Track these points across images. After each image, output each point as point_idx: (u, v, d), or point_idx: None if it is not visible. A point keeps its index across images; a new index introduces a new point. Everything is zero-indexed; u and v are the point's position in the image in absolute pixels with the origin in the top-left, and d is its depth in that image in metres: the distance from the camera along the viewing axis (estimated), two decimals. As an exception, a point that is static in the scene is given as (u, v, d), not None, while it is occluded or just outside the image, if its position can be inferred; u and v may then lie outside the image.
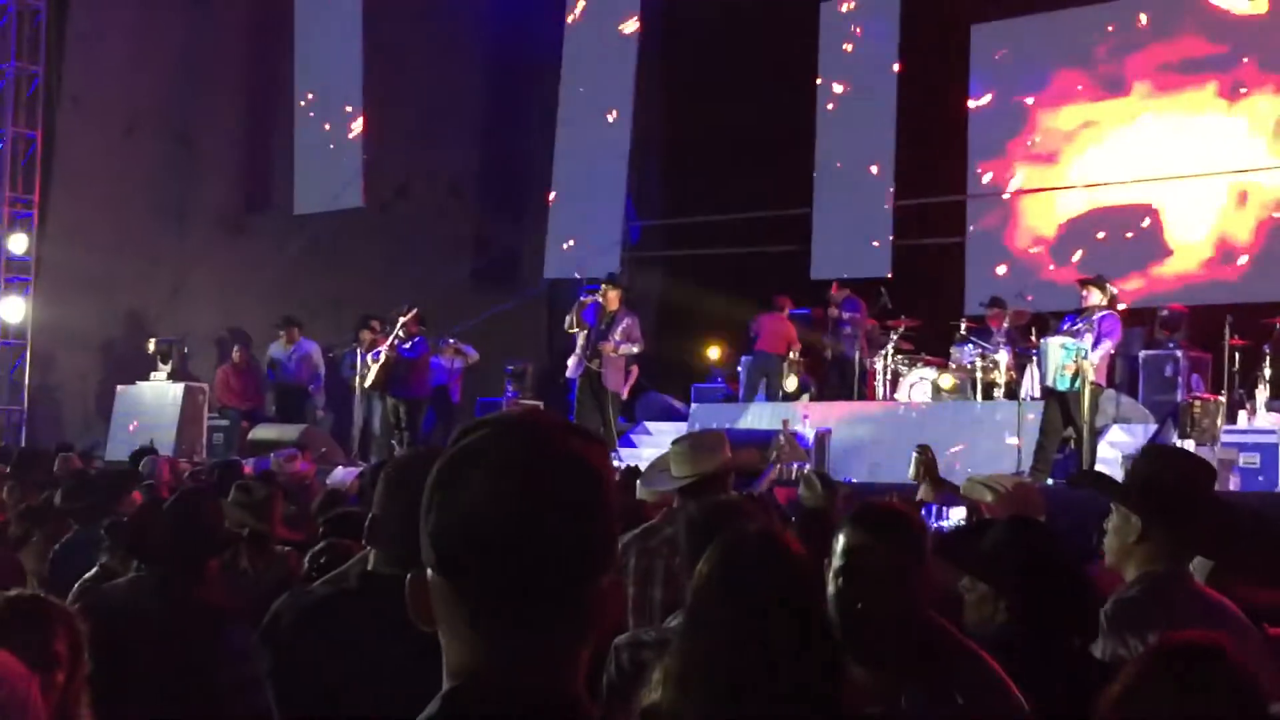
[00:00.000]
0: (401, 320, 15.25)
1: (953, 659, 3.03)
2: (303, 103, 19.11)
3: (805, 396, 15.18)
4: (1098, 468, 11.76)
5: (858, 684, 2.87)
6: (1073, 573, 3.45)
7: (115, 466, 10.57)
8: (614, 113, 19.32)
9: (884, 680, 2.98)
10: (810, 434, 13.45)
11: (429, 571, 1.66)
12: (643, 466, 12.11)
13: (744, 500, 4.70)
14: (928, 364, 14.57)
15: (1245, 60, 16.08)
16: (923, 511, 7.39)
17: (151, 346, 17.10)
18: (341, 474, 11.49)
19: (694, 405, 15.67)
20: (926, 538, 3.19)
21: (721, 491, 4.93)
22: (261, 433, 15.55)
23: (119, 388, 17.31)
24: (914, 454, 9.02)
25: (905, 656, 2.99)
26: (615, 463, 13.32)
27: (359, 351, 15.76)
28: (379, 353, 15.32)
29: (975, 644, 3.09)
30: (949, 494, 7.78)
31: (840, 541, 3.08)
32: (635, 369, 15.04)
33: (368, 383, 15.54)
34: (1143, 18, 16.85)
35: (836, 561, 3.06)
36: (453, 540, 1.63)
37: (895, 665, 2.99)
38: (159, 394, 16.67)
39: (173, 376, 16.74)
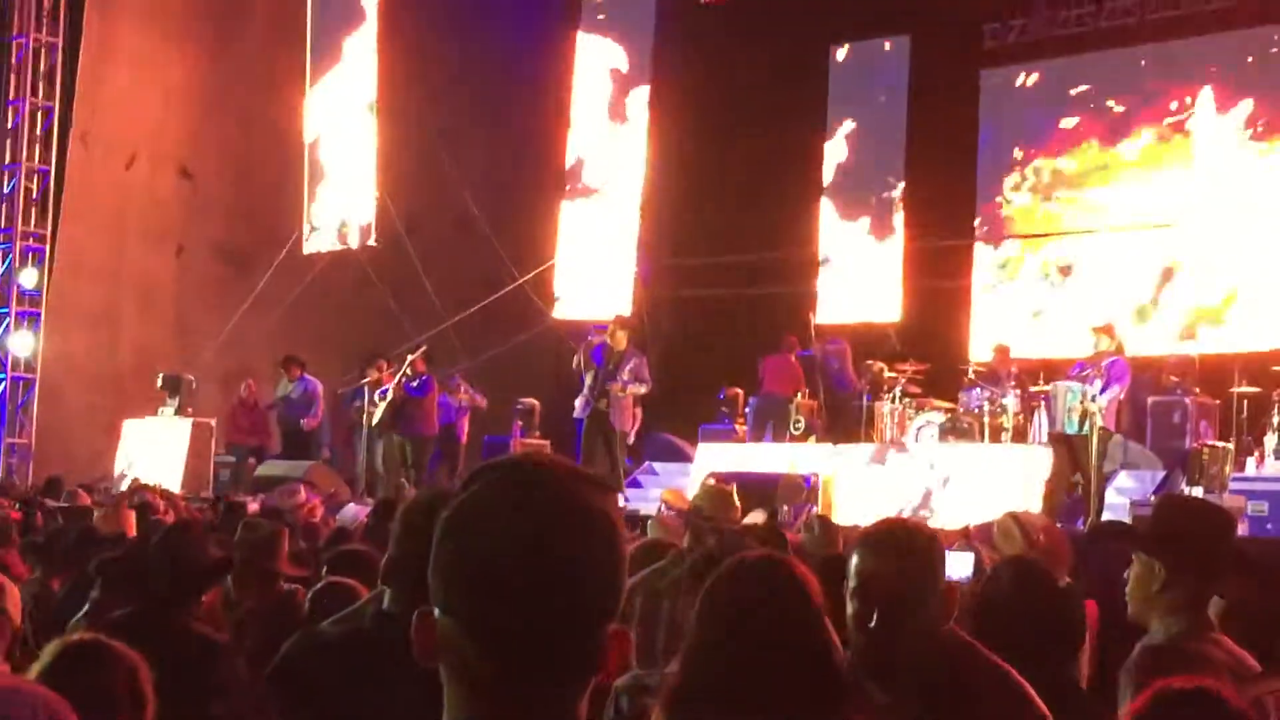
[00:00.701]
0: (409, 359, 15.28)
1: (976, 678, 3.00)
2: (312, 140, 19.20)
3: (812, 438, 15.15)
4: (1105, 514, 11.75)
5: (877, 706, 2.86)
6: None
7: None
8: (626, 152, 19.42)
9: (903, 702, 2.96)
10: (815, 477, 13.41)
11: (437, 611, 1.66)
12: (649, 507, 12.13)
13: (754, 529, 4.71)
14: (935, 407, 14.55)
15: (1257, 105, 16.11)
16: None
17: (160, 382, 17.12)
18: (352, 511, 11.48)
19: (701, 446, 15.65)
20: (941, 555, 3.17)
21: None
22: (268, 470, 15.55)
23: (126, 422, 17.32)
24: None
25: (925, 677, 2.97)
26: (622, 503, 13.33)
27: (366, 390, 15.77)
28: (386, 391, 15.34)
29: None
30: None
31: (854, 561, 3.08)
32: (640, 410, 15.02)
33: (375, 421, 15.55)
34: (1142, 62, 16.91)
35: (851, 582, 3.06)
36: (462, 584, 1.64)
37: (914, 686, 2.97)
38: (166, 429, 16.69)
39: (180, 412, 16.76)
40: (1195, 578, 3.48)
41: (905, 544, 3.09)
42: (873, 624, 2.97)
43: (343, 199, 19.09)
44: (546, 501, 1.65)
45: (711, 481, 6.34)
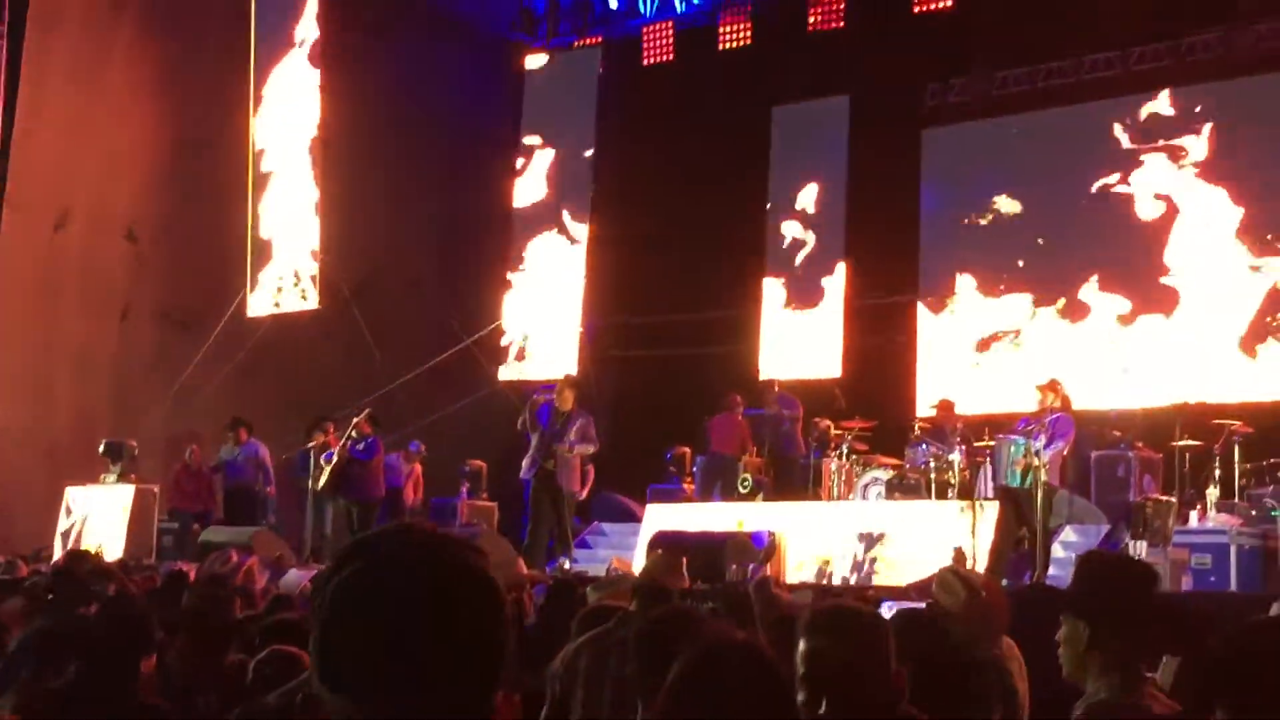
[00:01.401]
0: (354, 421, 15.19)
1: None
2: (254, 200, 19.13)
3: (760, 496, 15.16)
4: (1051, 568, 11.81)
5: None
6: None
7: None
8: (571, 212, 19.49)
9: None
10: (768, 535, 13.41)
11: (327, 691, 1.64)
12: (598, 569, 12.08)
13: (697, 610, 4.68)
14: (882, 464, 14.60)
15: (1198, 166, 16.35)
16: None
17: (102, 448, 16.92)
18: (295, 577, 11.36)
19: (649, 506, 15.61)
20: (886, 634, 3.17)
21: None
22: (212, 535, 15.36)
23: (68, 489, 17.10)
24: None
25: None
26: (566, 566, 13.26)
27: (311, 453, 15.65)
28: (331, 454, 15.23)
29: None
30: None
31: (800, 647, 3.07)
32: (591, 469, 14.99)
33: (320, 485, 15.43)
34: (1084, 132, 17.16)
35: (799, 669, 3.04)
36: (347, 664, 1.63)
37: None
38: (108, 496, 16.49)
39: (122, 478, 16.57)
40: (1119, 634, 3.50)
41: (851, 627, 3.08)
42: (822, 711, 2.95)
43: (288, 261, 19.01)
44: (438, 571, 1.65)
45: (659, 553, 6.32)
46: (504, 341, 19.78)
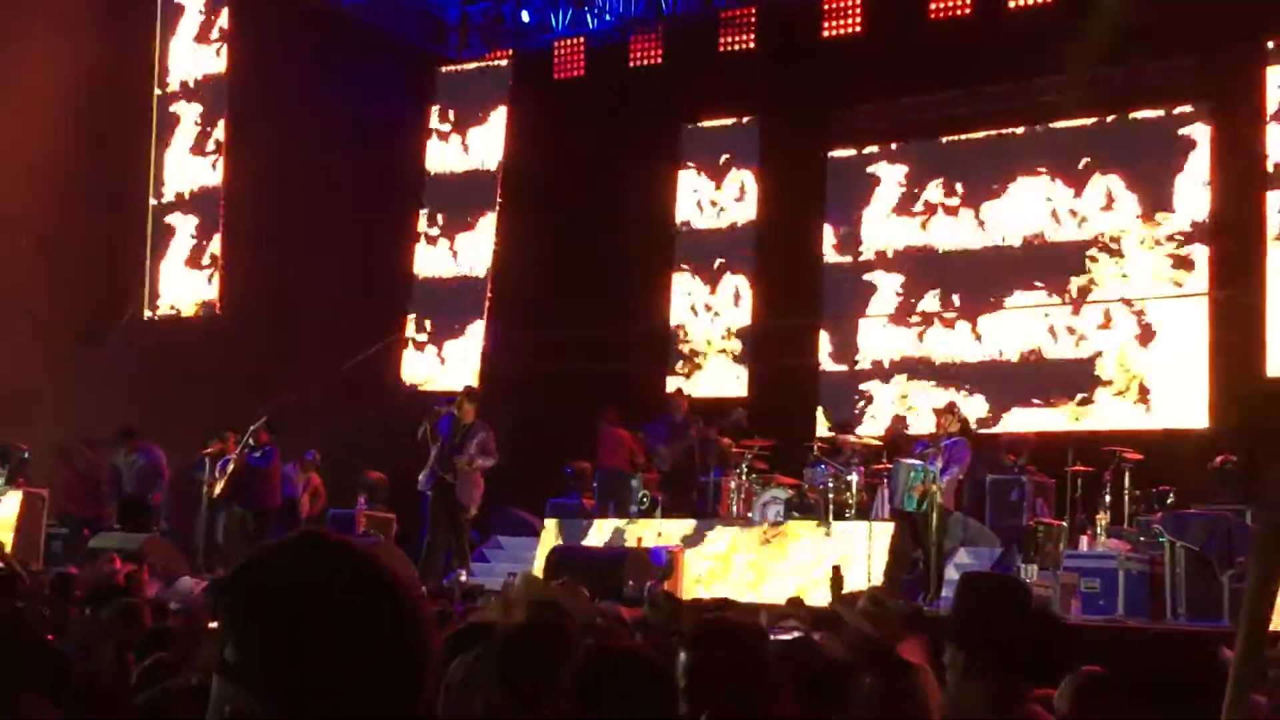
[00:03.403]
0: (252, 429, 15.01)
1: None
2: (155, 202, 18.87)
3: (657, 513, 15.17)
4: (945, 590, 11.94)
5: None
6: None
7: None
8: (477, 226, 19.43)
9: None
10: (668, 551, 13.44)
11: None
12: (495, 583, 12.03)
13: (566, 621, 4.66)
14: (781, 483, 14.70)
15: (1092, 197, 16.66)
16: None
17: (-9, 451, 16.56)
18: (187, 585, 11.18)
19: (548, 520, 15.57)
20: (766, 647, 3.19)
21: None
22: (101, 541, 15.07)
23: (-46, 493, 16.69)
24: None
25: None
26: (463, 578, 13.21)
27: (207, 461, 15.44)
28: (228, 462, 15.04)
29: None
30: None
31: (681, 660, 3.08)
32: (481, 482, 14.92)
33: (216, 492, 15.22)
34: (985, 160, 17.42)
35: (681, 682, 3.05)
36: (277, 668, 1.64)
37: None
38: (-5, 500, 16.13)
39: (10, 482, 16.22)
40: (994, 659, 3.52)
41: (732, 640, 3.10)
42: None
43: (189, 267, 18.77)
44: (367, 576, 1.69)
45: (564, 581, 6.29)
46: (406, 353, 19.66)
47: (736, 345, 18.74)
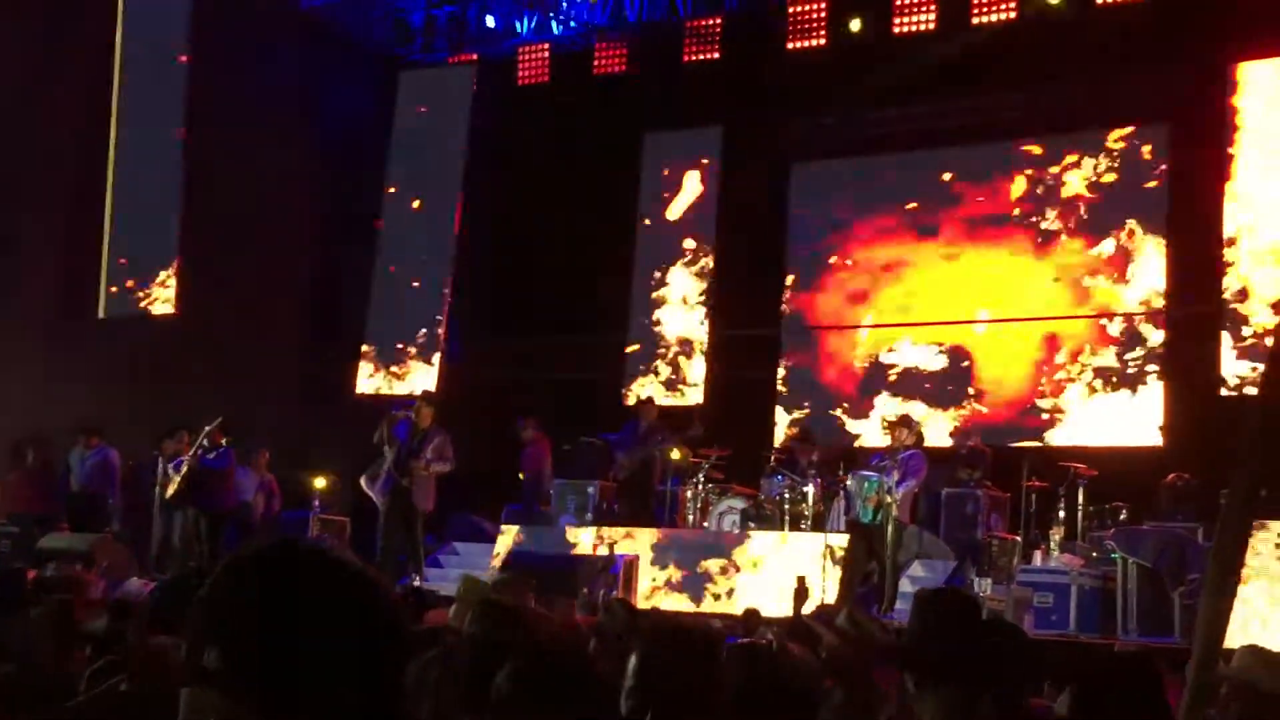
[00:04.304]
0: (206, 430, 14.90)
1: None
2: (112, 200, 18.71)
3: (613, 521, 15.12)
4: (899, 602, 11.97)
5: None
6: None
7: None
8: (437, 231, 19.37)
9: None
10: (623, 560, 13.43)
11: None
12: (450, 588, 11.97)
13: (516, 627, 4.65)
14: (738, 493, 14.71)
15: (1052, 214, 16.78)
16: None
17: (-62, 450, 16.38)
18: (136, 586, 11.06)
19: (504, 527, 15.53)
20: (717, 652, 3.19)
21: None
22: (51, 541, 14.92)
23: (-100, 490, 16.50)
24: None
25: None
26: (417, 583, 13.15)
27: (161, 461, 15.32)
28: (181, 462, 14.93)
29: None
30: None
31: (631, 662, 3.08)
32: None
33: (169, 493, 15.11)
34: (947, 175, 17.49)
35: (628, 682, 3.05)
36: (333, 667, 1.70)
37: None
38: (-57, 497, 15.96)
39: (-39, 481, 16.06)
40: (944, 669, 3.52)
41: (683, 644, 3.09)
42: None
43: (146, 265, 18.62)
44: (374, 580, 1.77)
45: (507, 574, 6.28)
46: (364, 356, 19.57)
47: (694, 353, 18.76)
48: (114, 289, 18.71)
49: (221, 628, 1.70)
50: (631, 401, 17.95)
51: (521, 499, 16.47)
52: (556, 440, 16.37)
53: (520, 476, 16.57)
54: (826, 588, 12.37)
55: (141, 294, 18.66)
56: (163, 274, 18.40)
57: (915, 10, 17.36)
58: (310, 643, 1.67)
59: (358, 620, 1.70)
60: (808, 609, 7.97)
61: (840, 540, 12.74)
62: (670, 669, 3.01)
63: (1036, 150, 16.99)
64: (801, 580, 9.17)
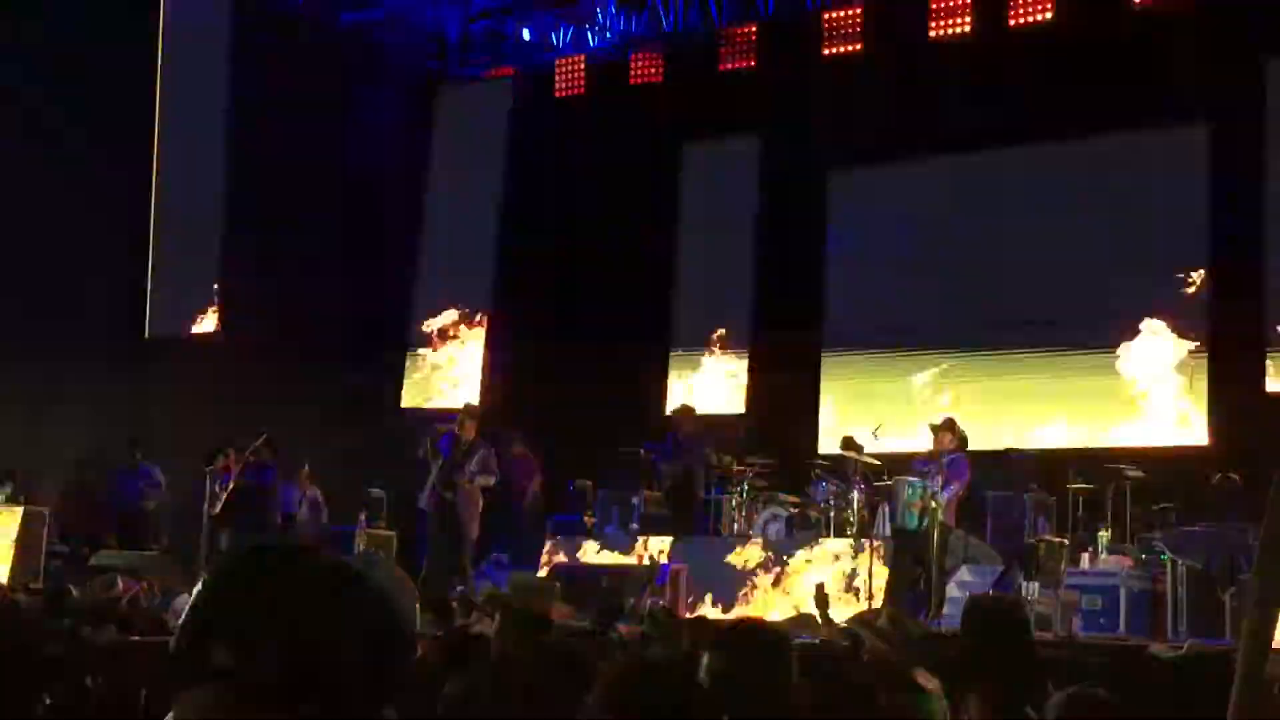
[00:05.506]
0: (252, 446, 15.01)
1: None
2: (156, 223, 18.88)
3: (659, 530, 15.09)
4: (946, 608, 11.91)
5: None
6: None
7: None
8: (477, 244, 19.45)
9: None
10: (669, 569, 13.41)
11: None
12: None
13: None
14: (782, 501, 14.67)
15: (1100, 207, 16.66)
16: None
17: (-9, 469, 16.54)
18: (183, 601, 11.15)
19: (549, 538, 15.54)
20: (788, 652, 3.21)
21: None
22: (103, 559, 15.08)
23: (-46, 512, 16.65)
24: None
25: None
26: (462, 591, 13.16)
27: (209, 478, 15.43)
28: (228, 479, 15.04)
29: None
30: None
31: (705, 661, 3.10)
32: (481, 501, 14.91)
33: (216, 510, 15.22)
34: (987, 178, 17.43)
35: (705, 683, 3.07)
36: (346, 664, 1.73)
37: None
38: (-5, 518, 16.10)
39: (12, 500, 16.21)
40: (998, 676, 3.53)
41: (756, 645, 3.11)
42: None
43: (189, 285, 18.78)
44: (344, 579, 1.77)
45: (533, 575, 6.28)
46: (407, 370, 19.66)
47: (738, 361, 18.74)
48: (158, 309, 18.86)
49: (233, 624, 1.69)
50: (670, 410, 17.92)
51: (568, 509, 16.50)
52: (598, 451, 16.36)
53: (575, 487, 16.61)
54: (873, 595, 12.33)
55: (185, 314, 18.81)
56: (205, 293, 18.52)
57: (951, 14, 17.29)
58: (322, 637, 1.69)
59: (362, 615, 1.73)
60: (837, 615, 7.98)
61: (886, 547, 12.69)
62: (746, 670, 3.03)
63: (1076, 150, 16.85)
64: (820, 587, 9.14)
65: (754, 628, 3.30)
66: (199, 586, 1.76)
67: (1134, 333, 16.15)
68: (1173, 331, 15.97)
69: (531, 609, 5.18)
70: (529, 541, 15.46)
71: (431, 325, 19.35)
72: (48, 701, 5.03)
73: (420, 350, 19.57)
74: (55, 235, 18.36)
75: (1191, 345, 15.80)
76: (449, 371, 19.22)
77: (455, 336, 19.51)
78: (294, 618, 1.69)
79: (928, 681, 4.49)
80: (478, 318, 18.96)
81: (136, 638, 7.28)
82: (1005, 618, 3.78)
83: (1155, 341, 16.03)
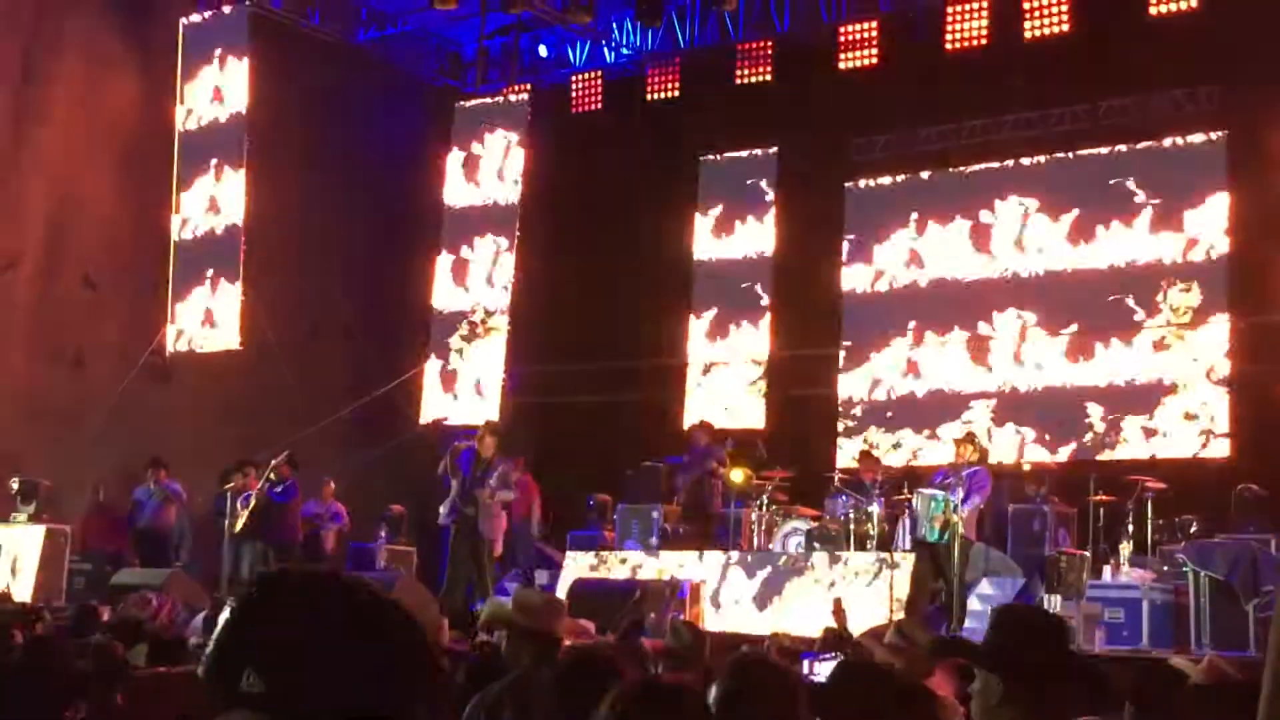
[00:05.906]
0: (273, 463, 15.05)
1: None
2: (178, 238, 18.95)
3: (679, 544, 15.11)
4: (968, 621, 11.90)
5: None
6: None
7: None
8: (496, 260, 19.46)
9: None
10: (687, 584, 13.42)
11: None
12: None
13: (609, 648, 4.70)
14: (802, 514, 14.66)
15: (1117, 218, 16.64)
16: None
17: (15, 487, 16.59)
18: (201, 620, 11.16)
19: (569, 553, 15.56)
20: (796, 683, 3.20)
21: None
22: (125, 577, 15.09)
23: (-24, 527, 16.73)
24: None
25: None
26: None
27: (229, 495, 15.47)
28: (249, 496, 15.08)
29: None
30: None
31: (713, 693, 3.09)
32: (505, 516, 14.94)
33: (237, 528, 15.26)
34: (1005, 190, 17.41)
35: (714, 711, 3.07)
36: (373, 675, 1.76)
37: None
38: (19, 536, 16.17)
39: (34, 518, 16.26)
40: (1032, 689, 3.52)
41: (763, 676, 3.11)
42: None
43: (211, 302, 18.82)
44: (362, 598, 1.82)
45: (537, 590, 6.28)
46: (426, 387, 19.67)
47: (753, 374, 18.74)
48: (179, 327, 18.92)
49: (262, 649, 1.73)
50: (689, 423, 17.93)
51: (588, 524, 16.51)
52: (619, 465, 16.38)
53: (594, 501, 16.62)
54: (893, 609, 12.30)
55: (205, 330, 18.84)
56: (225, 311, 18.57)
57: (967, 26, 17.29)
58: (348, 659, 1.72)
59: (386, 635, 1.77)
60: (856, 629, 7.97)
61: (907, 559, 12.67)
62: (750, 701, 3.03)
63: (1093, 161, 16.85)
64: (838, 602, 9.15)
65: (761, 661, 3.30)
66: (226, 613, 1.79)
67: (1157, 344, 16.11)
68: (1193, 343, 15.93)
69: (538, 627, 5.16)
70: (528, 563, 15.58)
71: (451, 340, 19.35)
72: (80, 718, 5.04)
73: (439, 364, 19.57)
74: (84, 251, 18.45)
75: (1213, 356, 15.75)
76: (467, 385, 19.22)
77: (475, 349, 19.52)
78: (320, 641, 1.72)
79: (942, 687, 4.48)
80: (496, 333, 18.96)
81: (165, 658, 7.30)
82: (1041, 627, 3.77)
83: (1175, 352, 15.99)
